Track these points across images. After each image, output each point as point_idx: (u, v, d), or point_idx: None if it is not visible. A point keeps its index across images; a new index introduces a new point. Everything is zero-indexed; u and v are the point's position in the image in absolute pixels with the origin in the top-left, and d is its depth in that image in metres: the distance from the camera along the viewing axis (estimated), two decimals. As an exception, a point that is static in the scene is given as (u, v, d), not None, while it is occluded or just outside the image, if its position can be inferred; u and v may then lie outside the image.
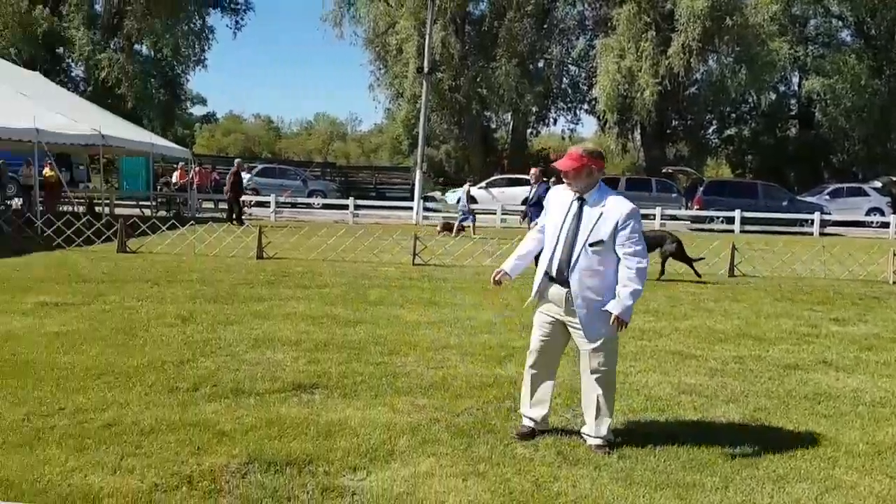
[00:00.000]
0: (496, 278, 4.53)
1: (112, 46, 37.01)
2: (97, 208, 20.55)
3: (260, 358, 5.96)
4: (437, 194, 33.28)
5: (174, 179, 27.09)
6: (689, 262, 11.76)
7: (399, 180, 40.86)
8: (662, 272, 11.49)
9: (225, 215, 21.39)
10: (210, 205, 27.23)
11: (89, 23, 36.88)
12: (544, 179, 12.66)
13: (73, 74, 40.10)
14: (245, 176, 27.65)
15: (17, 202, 22.68)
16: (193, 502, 3.36)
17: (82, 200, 21.02)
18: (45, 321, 7.03)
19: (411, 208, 26.30)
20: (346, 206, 25.61)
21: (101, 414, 4.47)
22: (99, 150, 19.82)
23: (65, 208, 19.59)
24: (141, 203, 25.20)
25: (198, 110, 61.03)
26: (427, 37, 27.11)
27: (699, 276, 11.62)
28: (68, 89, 30.78)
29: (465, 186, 22.65)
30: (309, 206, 29.12)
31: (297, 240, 14.39)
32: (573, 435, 4.40)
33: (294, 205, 28.78)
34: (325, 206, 28.41)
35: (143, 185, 27.02)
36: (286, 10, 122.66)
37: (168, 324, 7.13)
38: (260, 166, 34.88)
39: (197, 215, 22.42)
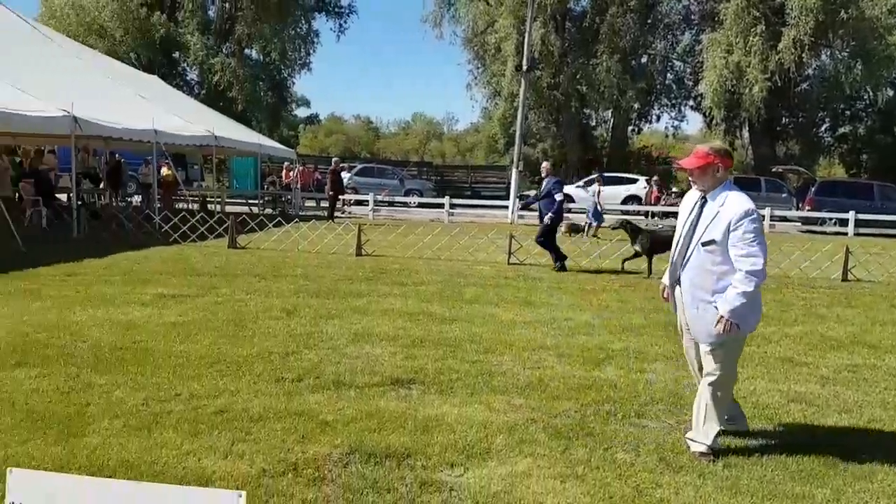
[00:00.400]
0: (664, 296, 4.53)
1: (224, 51, 38.84)
2: (210, 206, 21.65)
3: (359, 352, 6.11)
4: (534, 193, 33.07)
5: (282, 178, 28.18)
6: None
7: (494, 179, 40.87)
8: None
9: (326, 213, 22.03)
10: (312, 203, 28.16)
11: (203, 28, 38.86)
12: (555, 174, 12.69)
13: (188, 78, 42.36)
14: (345, 175, 28.45)
15: (136, 199, 24.21)
16: (299, 489, 3.49)
17: (196, 198, 22.21)
18: (163, 312, 7.47)
19: (507, 207, 26.25)
20: (441, 205, 25.85)
21: (213, 400, 4.71)
22: (212, 151, 20.87)
23: (180, 206, 20.73)
24: (249, 201, 26.36)
25: (302, 112, 63.20)
26: (526, 34, 26.95)
27: None
28: (184, 92, 32.53)
29: (595, 186, 21.91)
30: (405, 204, 29.60)
31: (394, 238, 14.66)
32: (677, 441, 4.28)
33: (391, 203, 29.33)
34: (421, 205, 28.79)
35: (252, 183, 28.27)
36: (386, 13, 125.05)
37: (274, 317, 7.42)
38: (359, 166, 35.75)
39: (300, 213, 23.22)
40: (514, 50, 33.65)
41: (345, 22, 43.39)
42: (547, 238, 12.17)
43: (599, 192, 21.17)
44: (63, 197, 17.53)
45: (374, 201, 25.98)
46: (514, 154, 27.51)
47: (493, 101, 40.46)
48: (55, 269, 9.72)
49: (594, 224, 19.14)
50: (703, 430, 4.11)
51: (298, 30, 40.68)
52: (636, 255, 11.63)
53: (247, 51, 40.55)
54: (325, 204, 24.76)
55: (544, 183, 12.50)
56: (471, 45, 38.90)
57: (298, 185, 26.37)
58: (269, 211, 24.23)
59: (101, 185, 21.81)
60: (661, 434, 4.43)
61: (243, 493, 1.62)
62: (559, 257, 12.14)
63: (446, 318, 7.71)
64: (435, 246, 13.62)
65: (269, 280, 9.82)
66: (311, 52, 42.18)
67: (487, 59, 37.97)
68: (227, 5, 38.02)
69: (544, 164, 13.09)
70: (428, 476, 3.69)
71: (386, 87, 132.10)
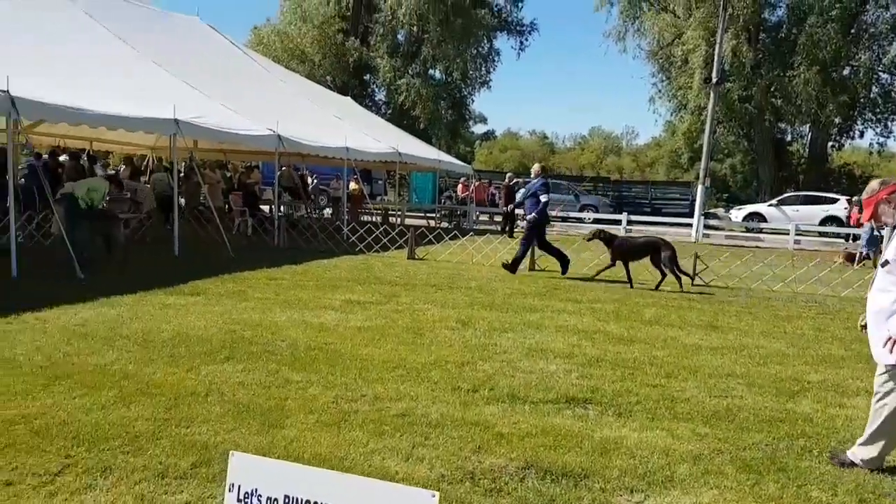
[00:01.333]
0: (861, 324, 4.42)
1: (410, 72, 40.70)
2: (391, 218, 22.70)
3: (533, 367, 6.11)
4: (720, 211, 31.34)
5: (458, 193, 28.95)
6: (679, 271, 11.27)
7: (677, 195, 39.18)
8: (662, 279, 11.26)
9: (500, 227, 22.30)
10: (486, 217, 28.63)
11: (392, 51, 41.01)
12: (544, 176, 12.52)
13: (376, 98, 44.89)
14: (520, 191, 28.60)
15: (327, 212, 25.93)
16: (476, 498, 3.55)
17: (379, 212, 23.38)
18: (350, 316, 7.92)
19: (690, 225, 25.10)
20: (618, 222, 25.23)
21: (395, 404, 4.91)
22: (395, 166, 21.91)
23: (365, 218, 21.93)
24: (427, 214, 27.33)
25: (479, 128, 64.51)
26: (717, 45, 25.71)
27: (681, 287, 11.15)
28: (372, 112, 34.47)
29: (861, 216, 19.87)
30: (580, 220, 29.22)
31: (568, 254, 14.49)
32: (879, 483, 3.86)
33: (565, 219, 29.09)
34: (596, 221, 28.28)
35: (430, 198, 29.30)
36: (564, 28, 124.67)
37: (450, 327, 7.61)
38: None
39: (475, 227, 23.68)
40: (702, 62, 32.30)
41: (525, 40, 43.84)
42: (541, 240, 12.25)
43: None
44: (266, 208, 19.17)
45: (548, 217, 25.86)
46: (701, 169, 26.27)
47: (678, 114, 39.02)
48: (259, 273, 10.65)
49: (868, 251, 17.22)
50: (862, 443, 4.17)
51: (480, 49, 41.72)
52: (610, 265, 11.61)
53: (430, 71, 42.18)
54: (498, 218, 25.04)
55: (531, 182, 12.41)
56: (655, 58, 37.86)
57: (474, 200, 26.93)
58: (445, 224, 24.95)
59: (303, 199, 23.59)
60: (862, 474, 4.02)
61: (436, 493, 1.68)
62: (562, 261, 12.23)
63: (624, 338, 7.50)
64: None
65: (445, 291, 10.09)
66: (492, 70, 43.11)
67: (673, 71, 36.71)
68: (415, 29, 39.84)
69: (535, 166, 12.89)
70: (606, 499, 3.60)
71: (562, 102, 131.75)
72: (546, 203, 12.12)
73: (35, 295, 7.84)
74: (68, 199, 10.56)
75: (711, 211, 29.66)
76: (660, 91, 39.10)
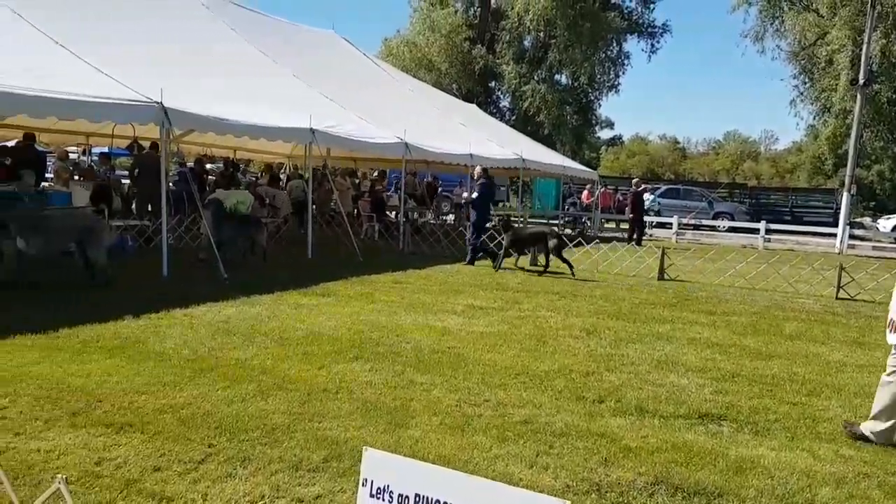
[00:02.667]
0: None
1: (535, 78, 40.55)
2: (514, 225, 22.64)
3: (663, 380, 5.90)
4: (867, 220, 29.05)
5: (582, 199, 28.48)
6: (565, 260, 12.38)
7: (819, 203, 36.71)
8: (547, 266, 12.51)
9: (626, 235, 21.72)
10: (611, 225, 27.98)
11: (518, 57, 41.05)
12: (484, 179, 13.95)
13: (501, 105, 45.05)
14: (648, 197, 27.81)
15: (450, 218, 26.26)
16: (601, 510, 3.46)
17: (501, 218, 23.39)
18: (473, 321, 7.97)
19: (834, 235, 23.43)
20: (755, 230, 23.93)
21: (518, 410, 4.89)
22: (518, 173, 21.85)
23: (487, 224, 21.99)
24: (550, 221, 27.05)
25: (605, 133, 63.31)
26: (864, 45, 23.92)
27: (573, 275, 12.16)
28: (497, 118, 34.62)
29: None
30: (713, 228, 27.95)
31: (701, 263, 13.93)
32: None
33: (697, 227, 27.92)
34: (732, 230, 26.96)
35: (553, 204, 29.00)
36: (698, 29, 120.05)
37: (574, 335, 7.49)
38: (663, 187, 34.67)
39: (600, 234, 23.21)
40: (848, 62, 30.16)
41: (657, 42, 42.60)
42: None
43: None
44: (392, 214, 19.68)
45: (679, 224, 24.96)
46: (846, 176, 24.49)
47: (821, 118, 36.60)
48: (385, 277, 10.94)
49: None
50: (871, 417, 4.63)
51: (609, 52, 40.93)
52: (507, 253, 12.95)
53: (556, 76, 41.85)
54: (624, 226, 24.41)
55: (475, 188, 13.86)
56: (797, 59, 35.73)
57: (599, 207, 26.39)
58: (568, 231, 24.61)
59: (427, 205, 24.05)
60: None
61: (568, 502, 1.65)
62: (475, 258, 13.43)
63: (762, 353, 7.10)
64: (748, 274, 12.65)
65: (569, 299, 9.95)
66: (621, 73, 42.18)
67: (816, 73, 34.48)
68: (541, 34, 39.70)
69: (477, 169, 14.29)
70: (741, 521, 3.41)
71: (695, 105, 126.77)
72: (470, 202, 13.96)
73: (183, 293, 8.43)
74: (215, 204, 11.31)
75: (857, 220, 27.55)
76: (801, 93, 36.84)
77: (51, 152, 17.73)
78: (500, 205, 31.40)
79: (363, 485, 1.88)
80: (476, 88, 41.43)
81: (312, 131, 12.10)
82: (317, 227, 14.35)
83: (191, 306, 7.75)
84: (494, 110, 41.96)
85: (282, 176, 20.31)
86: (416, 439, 4.25)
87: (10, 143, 14.60)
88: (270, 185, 17.24)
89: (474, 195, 13.94)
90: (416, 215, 20.56)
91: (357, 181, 22.29)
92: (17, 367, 5.22)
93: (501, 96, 44.87)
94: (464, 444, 4.24)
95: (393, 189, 22.24)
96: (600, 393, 5.40)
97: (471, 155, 17.07)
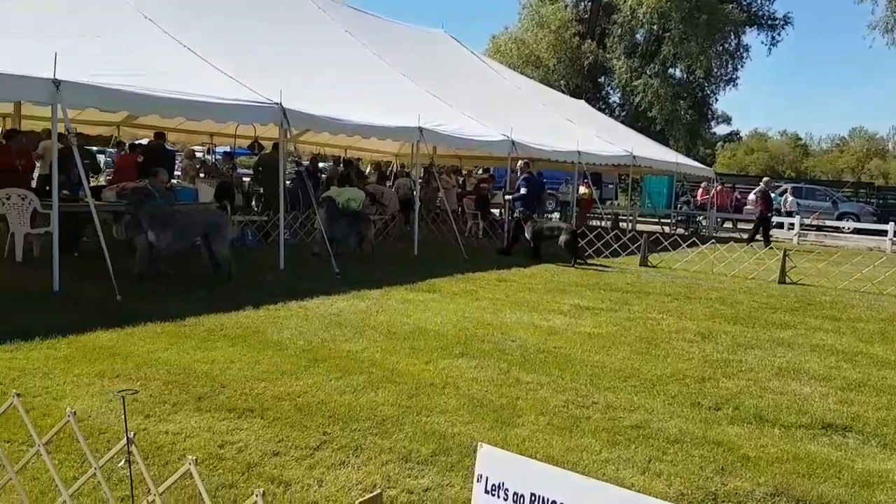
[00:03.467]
0: None
1: (647, 72, 39.45)
2: (622, 224, 22.15)
3: (784, 388, 5.60)
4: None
5: (696, 198, 27.46)
6: (579, 252, 13.05)
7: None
8: (577, 257, 12.90)
9: (747, 235, 20.72)
10: (729, 224, 26.82)
11: (630, 52, 40.05)
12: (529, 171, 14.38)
13: (610, 101, 44.12)
14: (788, 199, 26.59)
15: (555, 216, 25.98)
16: (718, 521, 3.33)
17: (609, 216, 22.93)
18: (579, 322, 7.85)
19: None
20: (883, 232, 22.30)
21: (629, 414, 4.78)
22: (628, 170, 21.35)
23: (594, 223, 21.62)
24: (661, 220, 26.25)
25: (721, 129, 60.55)
26: None
27: (575, 265, 12.56)
28: (606, 114, 33.92)
29: None
30: (837, 229, 26.25)
31: (824, 266, 13.12)
32: None
33: (819, 228, 26.31)
34: (857, 231, 25.24)
35: (665, 202, 28.10)
36: (821, 20, 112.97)
37: (688, 339, 7.24)
38: (784, 185, 32.89)
39: (716, 234, 22.29)
40: None
41: (778, 34, 40.48)
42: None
43: None
44: (496, 212, 19.68)
45: (801, 225, 23.61)
46: None
47: (963, 112, 33.69)
48: (489, 274, 10.95)
49: None
50: None
51: (727, 45, 39.25)
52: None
53: (670, 70, 40.53)
54: (742, 226, 23.31)
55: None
56: (933, 50, 33.01)
57: (715, 206, 25.34)
58: (681, 231, 23.78)
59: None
60: None
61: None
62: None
63: (891, 362, 6.62)
64: (876, 279, 11.81)
65: (682, 301, 9.62)
66: (739, 67, 40.39)
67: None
68: (655, 27, 38.56)
69: (519, 162, 14.75)
70: (873, 542, 3.20)
71: (818, 100, 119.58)
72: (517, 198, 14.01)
73: (298, 286, 8.77)
74: (329, 202, 11.70)
75: None
76: (938, 86, 34.09)
77: (178, 151, 18.90)
78: (608, 203, 30.70)
79: (478, 480, 1.89)
80: (585, 84, 40.75)
81: (420, 130, 12.27)
82: (423, 225, 14.55)
83: (305, 299, 8.04)
84: (603, 106, 41.12)
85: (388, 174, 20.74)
86: (524, 438, 4.23)
87: (143, 142, 15.65)
88: (378, 182, 17.65)
89: (522, 191, 13.93)
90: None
91: (461, 179, 22.45)
92: (149, 353, 5.59)
93: (611, 92, 43.98)
94: (572, 445, 4.19)
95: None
96: (717, 400, 5.19)
97: (578, 152, 16.81)
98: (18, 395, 2.68)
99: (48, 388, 4.67)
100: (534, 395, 5.10)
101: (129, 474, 2.84)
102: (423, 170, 16.92)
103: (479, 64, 21.35)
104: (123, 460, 2.49)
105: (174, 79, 8.99)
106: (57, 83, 7.32)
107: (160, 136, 13.89)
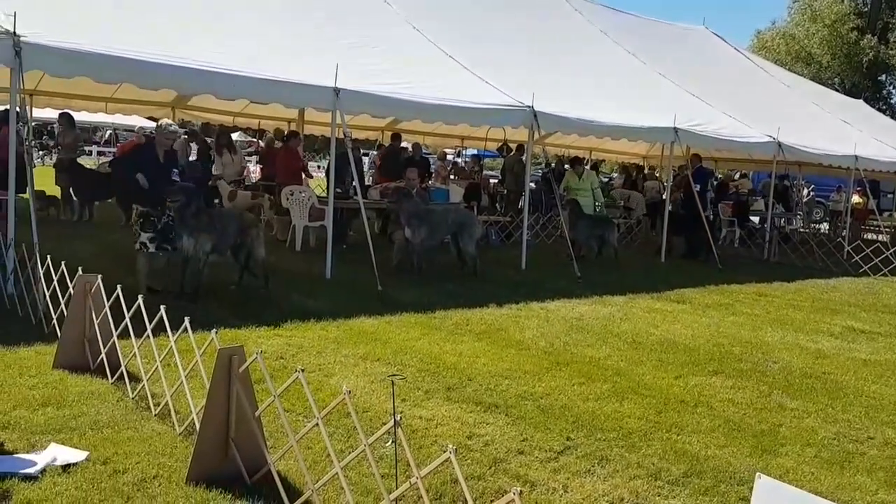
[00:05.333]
0: None
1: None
2: (906, 238, 19.33)
3: None
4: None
5: None
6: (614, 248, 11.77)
7: None
8: (615, 252, 11.71)
9: None
10: None
11: (918, 46, 34.95)
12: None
13: (892, 101, 38.87)
14: None
15: (824, 227, 23.45)
16: None
17: (888, 229, 20.17)
18: (853, 346, 6.99)
19: None
20: None
21: (919, 459, 4.14)
22: (917, 177, 18.58)
23: (869, 236, 19.15)
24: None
25: None
26: None
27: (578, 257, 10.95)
28: (887, 115, 29.90)
29: None
30: None
31: None
32: None
33: None
34: None
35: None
36: None
37: None
38: None
39: None
40: None
41: None
42: None
43: None
44: (755, 219, 18.22)
45: None
46: None
47: None
48: (747, 287, 10.14)
49: None
50: None
51: None
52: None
53: None
54: None
55: None
56: None
57: None
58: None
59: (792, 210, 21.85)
60: None
61: None
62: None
63: None
64: None
65: None
66: None
67: None
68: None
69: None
70: None
71: None
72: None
73: (538, 286, 8.84)
74: (573, 204, 11.67)
75: None
76: None
77: (432, 153, 20.06)
78: (885, 214, 27.01)
79: (754, 514, 1.73)
80: (863, 83, 36.26)
81: (675, 130, 11.75)
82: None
83: (546, 300, 8.07)
84: (884, 107, 36.25)
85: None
86: (787, 469, 3.85)
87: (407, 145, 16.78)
88: (625, 186, 17.23)
89: (697, 187, 12.83)
90: (783, 222, 18.79)
91: (716, 181, 21.12)
92: (404, 342, 5.97)
93: (893, 91, 38.73)
94: (843, 482, 3.74)
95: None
96: None
97: (855, 157, 15.00)
98: (302, 370, 3.00)
99: (321, 366, 5.18)
100: (799, 423, 4.63)
101: (394, 454, 3.04)
102: (672, 174, 16.19)
103: (743, 61, 19.90)
104: (390, 440, 2.66)
105: (436, 85, 9.51)
106: (337, 91, 8.11)
107: (396, 137, 14.47)
